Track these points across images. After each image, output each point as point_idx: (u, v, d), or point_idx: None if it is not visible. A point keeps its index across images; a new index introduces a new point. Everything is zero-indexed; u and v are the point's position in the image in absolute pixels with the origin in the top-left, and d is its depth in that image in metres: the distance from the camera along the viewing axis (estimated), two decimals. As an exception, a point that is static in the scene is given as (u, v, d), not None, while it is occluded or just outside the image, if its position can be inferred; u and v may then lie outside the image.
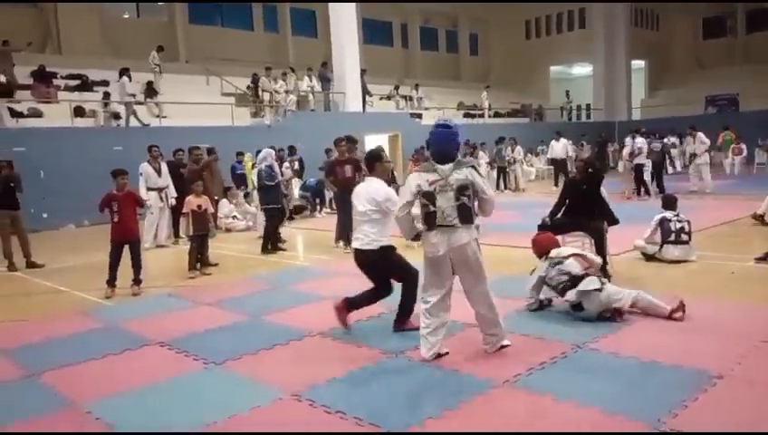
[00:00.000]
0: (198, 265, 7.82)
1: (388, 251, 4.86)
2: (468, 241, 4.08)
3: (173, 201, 10.13)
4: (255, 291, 6.76)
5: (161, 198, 10.07)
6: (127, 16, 23.04)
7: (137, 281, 6.93)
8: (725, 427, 3.10)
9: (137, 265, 6.91)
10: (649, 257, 7.21)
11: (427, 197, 4.07)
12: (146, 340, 5.04)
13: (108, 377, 4.27)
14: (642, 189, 14.17)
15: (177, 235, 10.58)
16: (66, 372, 4.38)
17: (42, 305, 6.47)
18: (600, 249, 6.42)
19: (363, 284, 4.97)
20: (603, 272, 6.33)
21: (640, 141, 14.49)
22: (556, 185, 17.48)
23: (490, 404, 3.53)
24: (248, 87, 18.88)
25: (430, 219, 4.08)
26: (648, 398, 3.46)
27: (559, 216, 6.77)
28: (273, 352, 4.58)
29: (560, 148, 18.22)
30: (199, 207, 7.73)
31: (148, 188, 9.90)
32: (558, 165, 18.18)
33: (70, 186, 12.81)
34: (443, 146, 4.23)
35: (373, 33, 28.78)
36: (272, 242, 9.33)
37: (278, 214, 9.57)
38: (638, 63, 31.32)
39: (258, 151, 10.60)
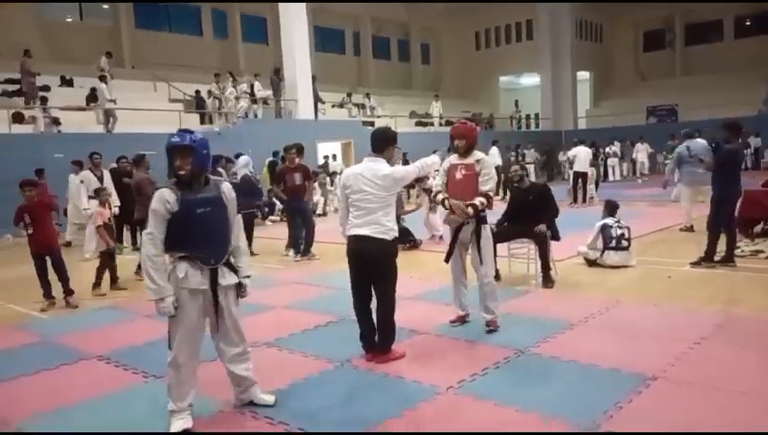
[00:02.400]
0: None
1: (396, 247, 4.45)
2: None
3: (116, 210, 9.86)
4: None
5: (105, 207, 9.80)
6: (70, 20, 22.32)
7: (67, 292, 6.65)
8: (658, 427, 3.21)
9: (62, 276, 6.60)
10: (591, 263, 7.43)
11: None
12: (83, 354, 4.87)
13: (41, 393, 4.11)
14: (581, 196, 14.60)
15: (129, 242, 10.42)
16: (-3, 389, 4.20)
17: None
18: (544, 255, 6.57)
19: (314, 293, 4.92)
20: (547, 277, 6.53)
21: (574, 151, 14.94)
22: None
23: (434, 411, 3.55)
24: (196, 93, 18.59)
25: None
26: (585, 401, 3.55)
27: (504, 223, 6.91)
28: (217, 364, 4.48)
29: (494, 155, 18.08)
30: (110, 219, 7.55)
31: (90, 197, 9.65)
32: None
33: (7, 195, 12.23)
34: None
35: (325, 40, 28.79)
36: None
37: (254, 218, 9.68)
38: (584, 75, 32.31)
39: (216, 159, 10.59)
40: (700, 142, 9.67)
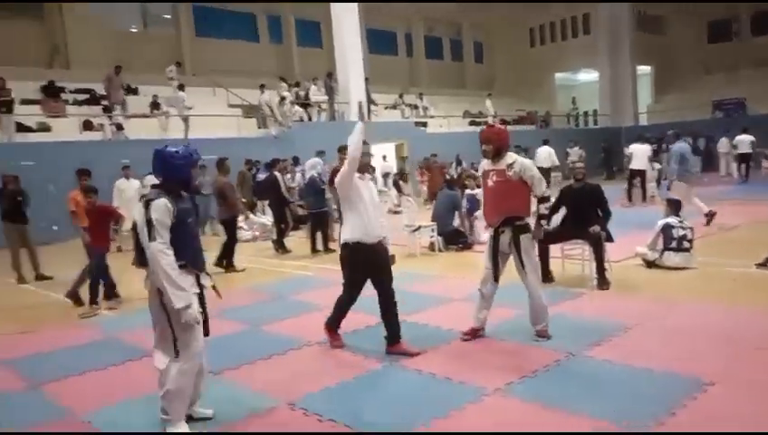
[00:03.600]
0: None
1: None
2: None
3: None
4: (257, 301, 6.84)
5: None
6: (134, 30, 23.34)
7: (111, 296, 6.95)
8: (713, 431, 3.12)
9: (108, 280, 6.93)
10: (650, 264, 7.20)
11: None
12: (147, 351, 5.09)
13: (108, 387, 4.35)
14: (640, 195, 14.09)
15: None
16: (68, 382, 4.47)
17: (48, 317, 6.57)
18: (599, 256, 6.43)
19: (365, 293, 4.95)
20: (602, 279, 6.38)
21: (631, 148, 14.43)
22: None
23: (480, 413, 3.56)
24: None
25: None
26: (637, 405, 3.48)
27: (557, 224, 6.79)
28: (270, 362, 4.63)
29: (545, 155, 17.80)
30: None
31: None
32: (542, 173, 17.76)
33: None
34: None
35: (378, 42, 28.94)
36: (323, 243, 9.84)
37: (324, 217, 10.03)
38: (644, 69, 31.25)
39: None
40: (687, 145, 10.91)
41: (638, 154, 14.15)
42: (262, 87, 18.42)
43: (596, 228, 6.38)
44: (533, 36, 33.64)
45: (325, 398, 3.87)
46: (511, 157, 4.76)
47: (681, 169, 10.20)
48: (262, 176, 12.39)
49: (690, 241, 7.14)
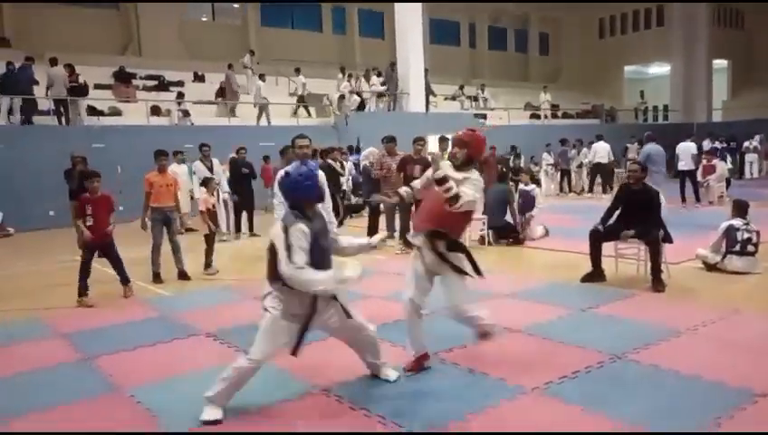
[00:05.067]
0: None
1: None
2: None
3: (225, 196, 10.60)
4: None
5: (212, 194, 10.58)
6: (204, 19, 24.06)
7: (124, 281, 6.82)
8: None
9: (120, 268, 6.77)
10: (711, 268, 6.87)
11: None
12: (194, 330, 5.29)
13: (155, 364, 4.52)
14: (695, 197, 13.37)
15: (237, 230, 11.06)
16: (118, 357, 4.68)
17: (107, 294, 6.86)
18: (655, 257, 6.18)
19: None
20: (657, 280, 6.13)
21: (678, 148, 13.65)
22: (595, 190, 17.06)
23: (515, 410, 3.50)
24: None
25: None
26: (681, 413, 3.34)
27: (612, 221, 6.57)
28: (311, 347, 4.68)
29: (602, 151, 16.99)
30: (213, 205, 7.59)
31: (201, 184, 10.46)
32: (600, 169, 17.09)
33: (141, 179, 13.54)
34: None
35: (440, 32, 28.71)
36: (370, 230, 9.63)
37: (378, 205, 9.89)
38: (721, 63, 29.70)
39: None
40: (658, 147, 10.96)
41: (684, 154, 13.38)
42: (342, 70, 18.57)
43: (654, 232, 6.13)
44: (603, 27, 32.56)
45: (360, 386, 3.89)
46: (474, 173, 4.04)
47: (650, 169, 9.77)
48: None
49: (756, 245, 6.76)
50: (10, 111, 13.84)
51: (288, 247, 3.38)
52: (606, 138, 17.61)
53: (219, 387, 3.50)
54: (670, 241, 6.34)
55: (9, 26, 19.16)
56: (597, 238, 6.51)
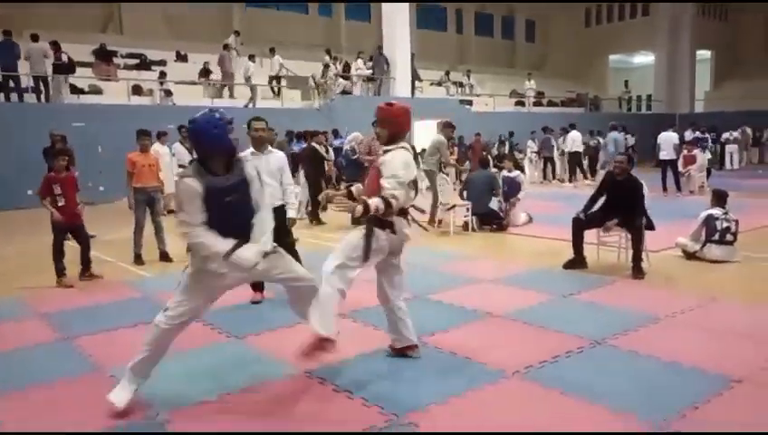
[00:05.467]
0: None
1: None
2: None
3: None
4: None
5: None
6: (187, -1, 23.62)
7: (87, 269, 6.60)
8: (732, 428, 3.02)
9: (86, 252, 6.57)
10: (690, 256, 6.98)
11: None
12: (176, 312, 5.24)
13: (137, 344, 4.45)
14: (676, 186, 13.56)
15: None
16: (99, 338, 4.64)
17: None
18: (637, 245, 6.25)
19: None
20: (637, 268, 6.21)
21: (659, 138, 13.84)
22: (570, 180, 17.21)
23: (496, 394, 3.53)
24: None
25: None
26: (659, 398, 3.39)
27: (595, 209, 6.63)
28: (294, 330, 4.68)
29: (578, 140, 17.09)
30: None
31: (180, 166, 10.31)
32: (578, 158, 17.21)
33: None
34: None
35: (427, 17, 28.54)
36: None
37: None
38: (704, 54, 29.93)
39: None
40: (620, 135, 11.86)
41: (666, 143, 13.56)
42: (328, 53, 18.38)
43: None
44: (589, 16, 32.65)
45: (343, 369, 3.90)
46: (398, 146, 3.78)
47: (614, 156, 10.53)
48: (296, 148, 12.43)
49: (734, 234, 6.87)
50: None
51: (179, 204, 3.18)
52: (586, 126, 17.70)
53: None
54: (653, 228, 6.42)
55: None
56: (579, 226, 6.57)
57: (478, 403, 3.42)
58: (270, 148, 5.43)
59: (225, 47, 17.60)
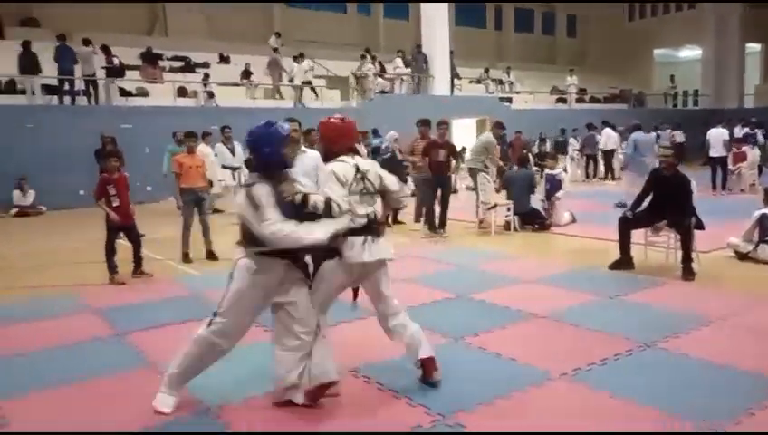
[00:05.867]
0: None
1: None
2: None
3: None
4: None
5: (233, 177, 10.61)
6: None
7: (139, 266, 6.80)
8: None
9: (138, 251, 6.77)
10: (743, 257, 6.77)
11: None
12: (223, 309, 5.36)
13: (184, 341, 4.59)
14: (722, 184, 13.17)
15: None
16: (151, 333, 4.79)
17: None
18: (686, 246, 6.10)
19: (434, 268, 4.99)
20: (687, 269, 6.05)
21: (708, 134, 13.39)
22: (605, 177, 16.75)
23: (542, 396, 3.51)
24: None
25: None
26: (712, 402, 3.32)
27: (642, 208, 6.49)
28: (339, 327, 4.73)
29: (614, 138, 16.67)
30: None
31: (223, 166, 10.47)
32: (606, 156, 16.84)
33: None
34: None
35: (466, 14, 28.31)
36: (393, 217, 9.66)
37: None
38: (754, 47, 28.89)
39: None
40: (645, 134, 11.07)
41: (715, 140, 13.13)
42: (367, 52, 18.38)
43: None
44: (632, 10, 31.84)
45: (389, 368, 3.92)
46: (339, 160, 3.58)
47: (636, 156, 10.51)
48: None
49: (790, 234, 6.63)
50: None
51: (256, 208, 3.16)
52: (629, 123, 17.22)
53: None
54: (702, 228, 6.25)
55: (37, 6, 19.36)
56: (626, 226, 6.44)
57: (525, 405, 3.41)
58: (303, 148, 5.32)
59: (276, 50, 17.86)
